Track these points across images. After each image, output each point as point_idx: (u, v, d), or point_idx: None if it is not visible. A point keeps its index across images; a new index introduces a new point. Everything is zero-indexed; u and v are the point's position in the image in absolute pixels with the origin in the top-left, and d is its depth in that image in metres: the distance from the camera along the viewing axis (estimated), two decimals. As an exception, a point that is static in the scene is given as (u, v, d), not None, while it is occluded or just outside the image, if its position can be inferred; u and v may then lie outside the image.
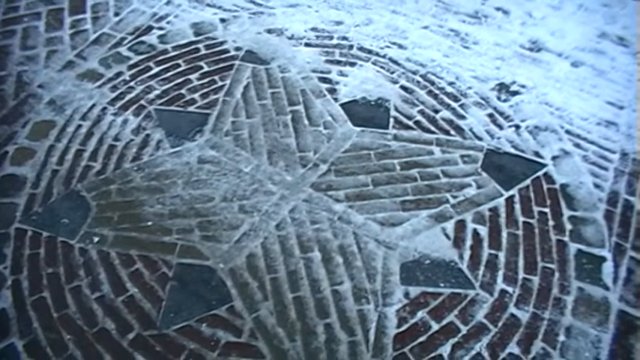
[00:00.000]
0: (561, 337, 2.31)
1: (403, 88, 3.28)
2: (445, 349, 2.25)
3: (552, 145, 3.03)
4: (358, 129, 3.03)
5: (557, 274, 2.50)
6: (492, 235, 2.62)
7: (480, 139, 3.04)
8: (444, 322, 2.33)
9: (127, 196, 2.63)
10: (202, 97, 3.11)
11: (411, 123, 3.09)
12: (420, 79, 3.35)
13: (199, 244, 2.48)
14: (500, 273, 2.49)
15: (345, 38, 3.58)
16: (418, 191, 2.76)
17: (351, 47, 3.51)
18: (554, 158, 2.97)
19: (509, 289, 2.44)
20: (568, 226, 2.68)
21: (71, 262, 2.39)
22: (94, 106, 3.01)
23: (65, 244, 2.44)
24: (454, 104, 3.21)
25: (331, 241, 2.54)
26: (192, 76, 3.23)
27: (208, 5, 3.73)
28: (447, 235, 2.61)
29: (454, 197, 2.75)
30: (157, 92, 3.12)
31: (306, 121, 3.04)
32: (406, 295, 2.39)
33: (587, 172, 2.92)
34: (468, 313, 2.36)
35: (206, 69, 3.28)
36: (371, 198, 2.71)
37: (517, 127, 3.12)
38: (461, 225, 2.65)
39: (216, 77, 3.23)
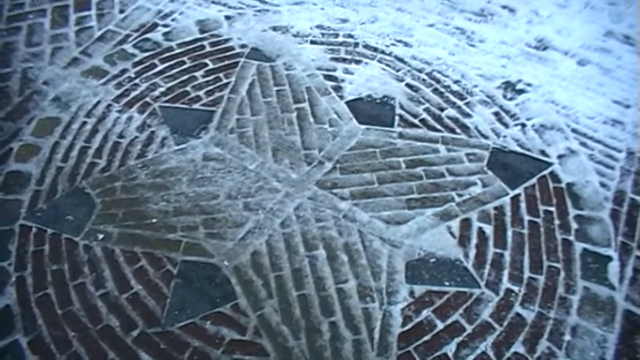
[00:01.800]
0: (567, 337, 2.30)
1: (409, 86, 3.27)
2: (450, 348, 2.24)
3: (558, 144, 3.02)
4: (363, 127, 3.02)
5: (562, 274, 2.49)
6: (498, 234, 2.61)
7: (485, 137, 3.03)
8: (449, 320, 2.32)
9: (131, 193, 2.63)
10: (207, 95, 3.11)
11: (416, 121, 3.08)
12: (425, 77, 3.34)
13: (204, 241, 2.48)
14: (506, 272, 2.48)
15: (350, 36, 3.57)
16: (423, 189, 2.75)
17: (356, 45, 3.51)
18: (560, 157, 2.96)
19: (515, 288, 2.43)
20: (574, 225, 2.67)
21: (75, 259, 2.39)
22: (98, 103, 3.02)
23: (69, 240, 2.44)
24: (460, 102, 3.20)
25: (336, 239, 2.53)
26: (197, 74, 3.23)
27: (213, 2, 3.73)
28: (452, 234, 2.60)
29: (459, 196, 2.74)
30: (161, 89, 3.11)
31: (311, 119, 3.03)
32: (411, 293, 2.38)
33: (594, 171, 2.90)
34: (474, 311, 2.35)
35: (211, 66, 3.28)
36: (376, 196, 2.71)
37: (523, 125, 3.10)
38: (466, 223, 2.64)
39: (221, 74, 3.23)
